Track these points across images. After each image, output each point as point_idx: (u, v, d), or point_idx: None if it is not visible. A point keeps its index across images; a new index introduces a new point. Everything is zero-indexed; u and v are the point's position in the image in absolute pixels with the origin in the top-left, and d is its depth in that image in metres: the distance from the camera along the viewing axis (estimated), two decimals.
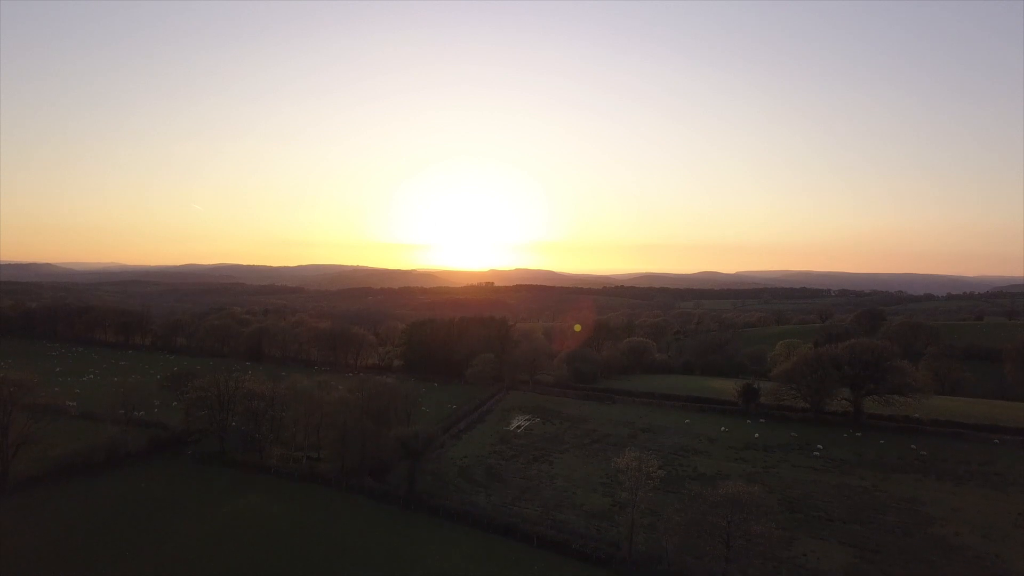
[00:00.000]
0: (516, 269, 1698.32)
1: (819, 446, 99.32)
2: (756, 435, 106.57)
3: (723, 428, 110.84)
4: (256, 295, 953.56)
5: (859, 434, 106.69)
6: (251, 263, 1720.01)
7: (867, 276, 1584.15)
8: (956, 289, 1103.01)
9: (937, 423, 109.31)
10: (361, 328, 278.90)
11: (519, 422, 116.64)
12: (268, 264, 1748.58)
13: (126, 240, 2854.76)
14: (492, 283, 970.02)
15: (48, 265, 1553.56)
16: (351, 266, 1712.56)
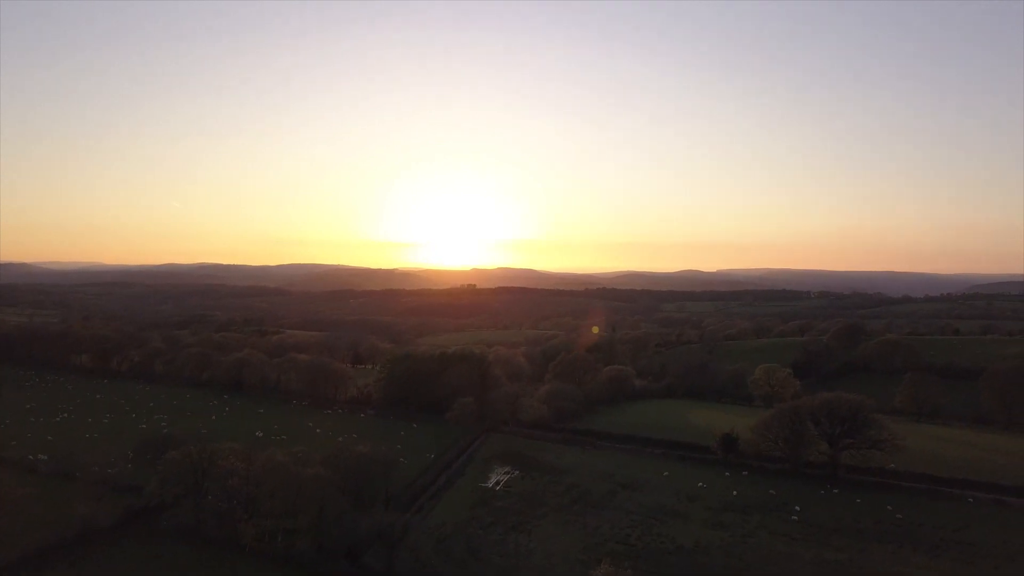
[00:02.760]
0: (498, 268, 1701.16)
1: (797, 507, 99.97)
2: (734, 492, 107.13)
3: (701, 484, 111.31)
4: (239, 297, 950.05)
5: (836, 491, 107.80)
6: (233, 262, 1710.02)
7: (846, 274, 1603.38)
8: (933, 288, 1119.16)
9: (913, 477, 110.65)
10: (342, 355, 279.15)
11: (498, 476, 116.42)
12: (250, 263, 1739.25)
13: (106, 239, 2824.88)
14: (474, 285, 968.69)
15: (25, 265, 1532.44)
16: (333, 265, 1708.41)
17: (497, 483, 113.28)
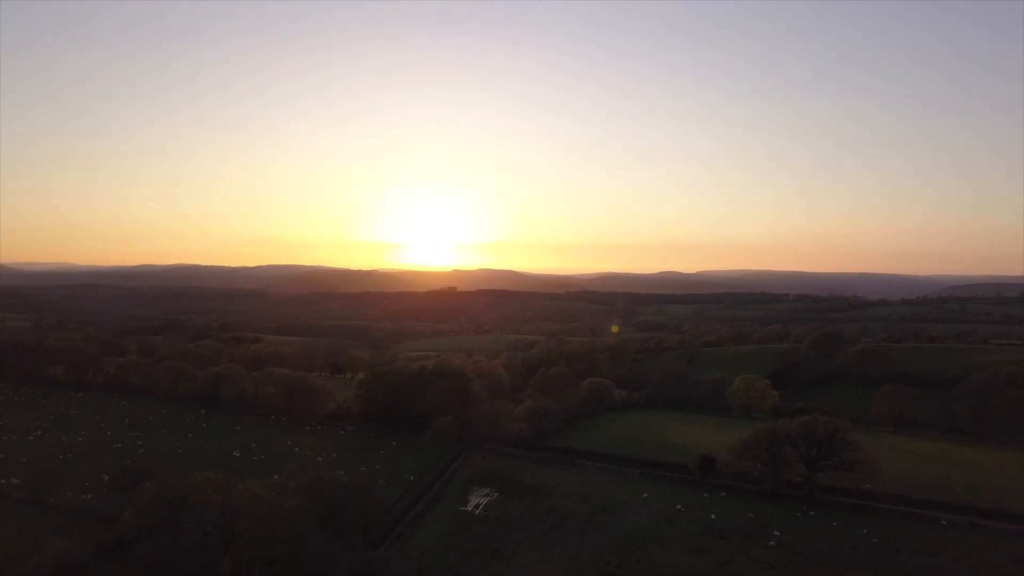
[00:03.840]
0: (479, 269, 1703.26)
1: (775, 532, 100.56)
2: (712, 516, 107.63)
3: (679, 507, 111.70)
4: (215, 300, 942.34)
5: (812, 513, 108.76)
6: (209, 263, 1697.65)
7: (824, 276, 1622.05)
8: (908, 289, 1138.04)
9: (887, 498, 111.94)
10: (320, 364, 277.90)
11: (477, 499, 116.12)
12: (227, 264, 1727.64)
13: (80, 239, 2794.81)
14: (455, 287, 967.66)
15: None
16: (311, 266, 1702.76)
17: (476, 506, 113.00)
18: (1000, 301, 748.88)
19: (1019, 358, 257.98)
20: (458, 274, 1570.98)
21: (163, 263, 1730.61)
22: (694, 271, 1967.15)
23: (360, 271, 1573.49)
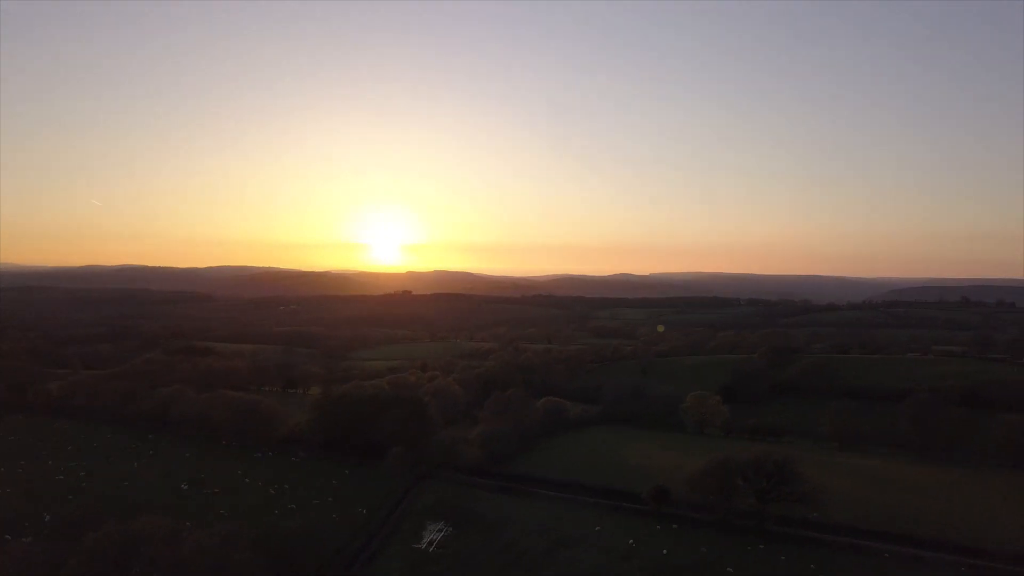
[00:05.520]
0: (434, 271, 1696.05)
1: (729, 569, 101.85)
2: (665, 551, 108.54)
3: (631, 541, 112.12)
4: (163, 304, 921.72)
5: (762, 546, 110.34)
6: (157, 264, 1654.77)
7: (774, 278, 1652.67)
8: (855, 292, 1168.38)
9: (834, 529, 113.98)
10: (273, 378, 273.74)
11: (432, 534, 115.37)
12: (175, 265, 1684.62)
13: (20, 238, 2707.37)
14: (410, 291, 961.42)
15: None
16: (262, 267, 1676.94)
17: (431, 543, 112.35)
18: (943, 307, 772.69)
19: (961, 370, 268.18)
20: (412, 276, 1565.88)
21: (109, 264, 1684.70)
22: (647, 273, 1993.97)
23: (313, 272, 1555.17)
